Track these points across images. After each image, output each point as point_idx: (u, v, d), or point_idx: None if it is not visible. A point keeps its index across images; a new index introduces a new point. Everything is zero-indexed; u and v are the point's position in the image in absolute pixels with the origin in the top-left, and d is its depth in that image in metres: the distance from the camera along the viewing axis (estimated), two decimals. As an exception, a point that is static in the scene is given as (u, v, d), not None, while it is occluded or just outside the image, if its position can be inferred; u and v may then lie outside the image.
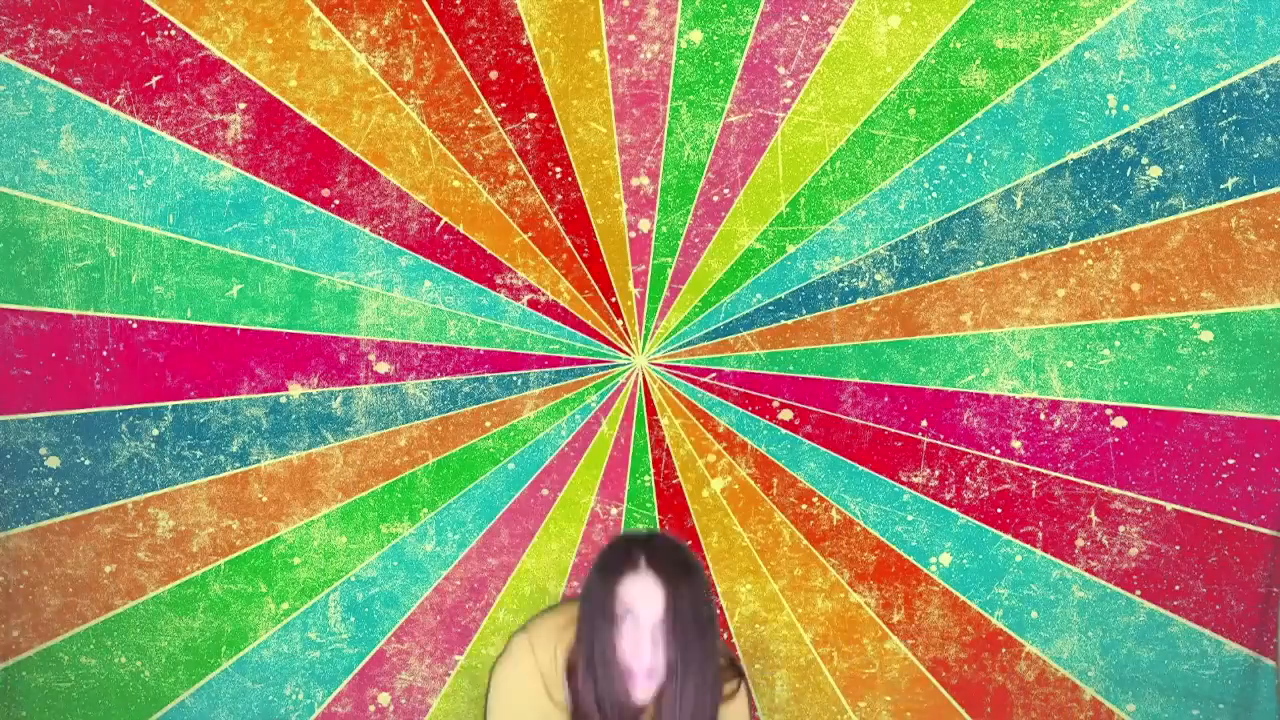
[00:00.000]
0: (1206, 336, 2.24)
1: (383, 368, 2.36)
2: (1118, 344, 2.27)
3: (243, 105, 2.27)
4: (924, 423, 2.33)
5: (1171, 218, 2.23)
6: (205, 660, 2.39)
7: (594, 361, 2.37)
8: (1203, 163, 2.20)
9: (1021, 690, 2.37)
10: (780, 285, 2.33)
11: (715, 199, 2.31)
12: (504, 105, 2.29)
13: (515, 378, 2.37)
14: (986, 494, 2.33)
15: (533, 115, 2.30)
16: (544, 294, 2.35)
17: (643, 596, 1.67)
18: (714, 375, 2.37)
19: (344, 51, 2.28)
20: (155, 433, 2.34)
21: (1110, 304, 2.27)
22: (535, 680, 1.74)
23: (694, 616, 1.71)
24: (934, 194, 2.28)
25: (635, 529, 1.78)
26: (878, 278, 2.31)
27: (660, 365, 2.37)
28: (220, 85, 2.25)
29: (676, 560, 1.73)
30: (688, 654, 1.70)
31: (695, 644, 1.71)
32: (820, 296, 2.32)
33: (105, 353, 2.32)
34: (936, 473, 2.34)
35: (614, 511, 2.39)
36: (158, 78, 2.27)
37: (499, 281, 2.34)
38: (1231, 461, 2.26)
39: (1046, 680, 2.37)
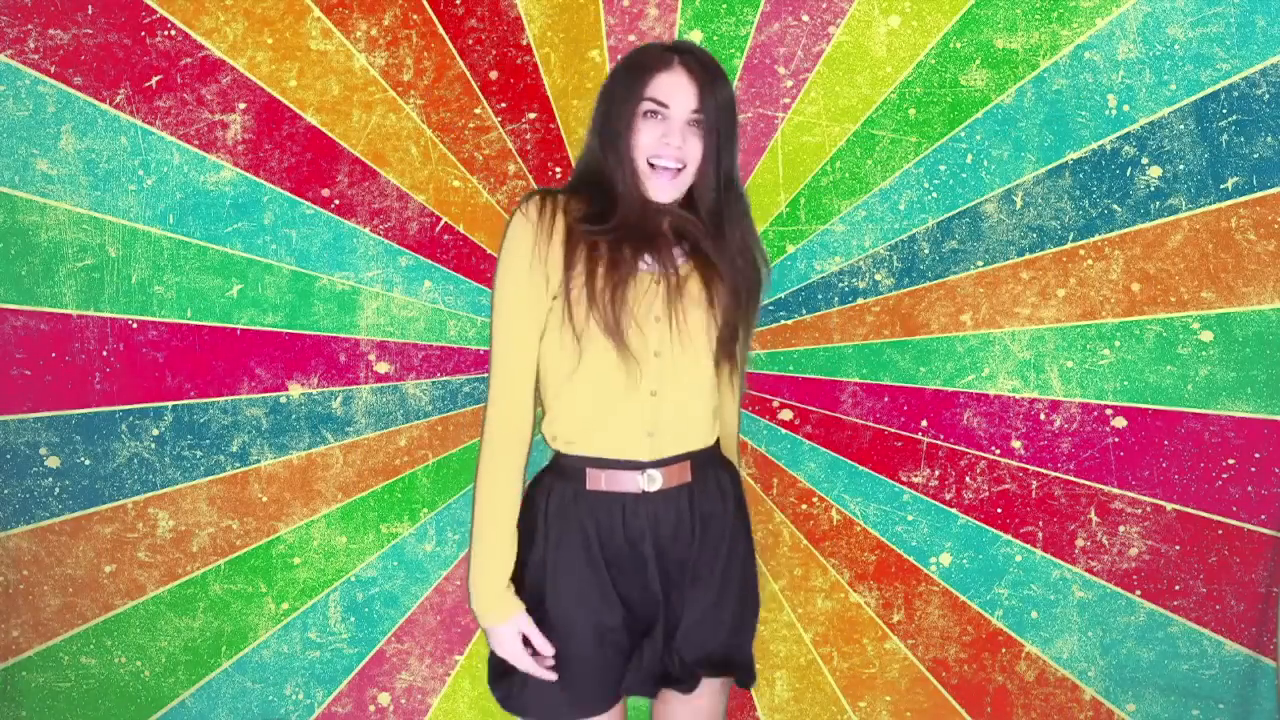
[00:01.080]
0: (1206, 336, 2.24)
1: (383, 368, 2.36)
2: (1118, 344, 2.27)
3: (243, 105, 2.27)
4: (924, 423, 2.33)
5: (1171, 218, 2.23)
6: (205, 660, 2.39)
7: (594, 361, 2.37)
8: (1203, 163, 2.20)
9: (1021, 690, 2.37)
10: (780, 285, 2.33)
11: (715, 199, 2.31)
12: (504, 105, 2.29)
13: (515, 378, 2.37)
14: (986, 494, 2.33)
15: (533, 115, 2.30)
16: (544, 294, 2.35)
17: (676, 89, 1.61)
18: (714, 375, 2.37)
19: (344, 51, 2.28)
20: (155, 433, 2.35)
21: (1110, 304, 2.27)
22: (535, 227, 1.66)
23: (726, 119, 1.65)
24: (934, 194, 2.28)
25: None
26: (878, 278, 2.31)
27: (660, 365, 2.37)
28: (220, 85, 2.25)
29: (709, 63, 1.67)
30: (721, 154, 1.66)
31: (729, 145, 1.67)
32: (820, 296, 2.32)
33: (105, 353, 2.32)
34: (936, 473, 2.34)
35: (614, 511, 2.40)
36: (158, 78, 2.27)
37: (499, 281, 2.34)
38: (1231, 461, 2.26)
39: (1046, 680, 2.37)
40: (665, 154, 1.63)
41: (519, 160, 2.31)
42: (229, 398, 2.33)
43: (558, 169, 2.31)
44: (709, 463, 1.79)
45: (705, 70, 1.64)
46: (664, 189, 1.65)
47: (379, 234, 2.32)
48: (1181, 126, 2.20)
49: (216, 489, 2.35)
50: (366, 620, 2.40)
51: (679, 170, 1.65)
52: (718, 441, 1.85)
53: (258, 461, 2.35)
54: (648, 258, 1.67)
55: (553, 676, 1.70)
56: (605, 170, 1.67)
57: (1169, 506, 2.29)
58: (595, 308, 1.61)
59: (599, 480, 1.71)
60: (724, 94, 1.66)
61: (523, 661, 1.71)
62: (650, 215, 1.68)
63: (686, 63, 1.64)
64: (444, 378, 2.36)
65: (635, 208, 1.66)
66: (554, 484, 1.76)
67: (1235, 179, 2.20)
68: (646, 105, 1.62)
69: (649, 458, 1.71)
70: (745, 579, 1.83)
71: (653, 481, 1.69)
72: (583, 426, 1.72)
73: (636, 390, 1.67)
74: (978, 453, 2.33)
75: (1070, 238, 2.26)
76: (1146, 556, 2.31)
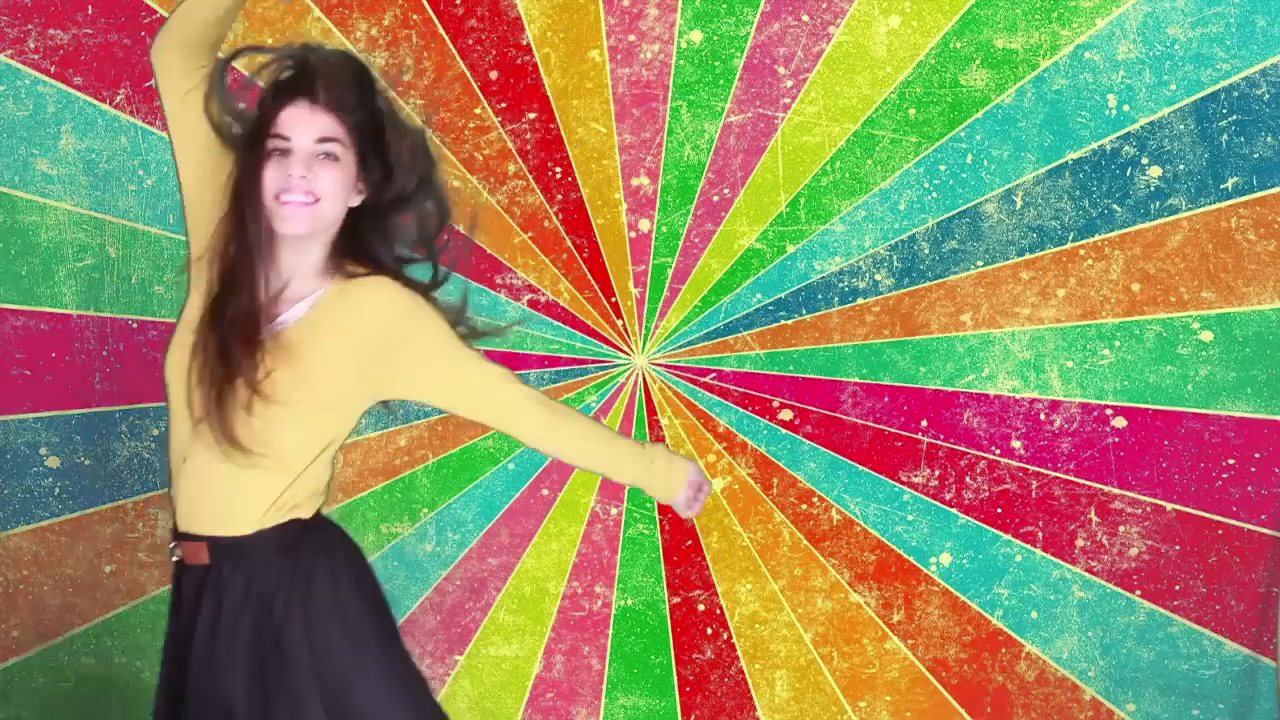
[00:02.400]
0: (1206, 336, 2.24)
1: (383, 368, 2.36)
2: (1118, 344, 2.27)
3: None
4: (924, 423, 2.33)
5: (1171, 218, 2.23)
6: (205, 660, 2.38)
7: (594, 361, 2.37)
8: (1203, 163, 2.20)
9: (1021, 690, 2.37)
10: (780, 285, 2.33)
11: (715, 199, 2.31)
12: (504, 105, 2.29)
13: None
14: (986, 494, 2.33)
15: (533, 115, 2.30)
16: (544, 294, 2.35)
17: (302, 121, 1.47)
18: (714, 375, 2.37)
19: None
20: (155, 433, 2.34)
21: (1110, 304, 2.27)
22: None
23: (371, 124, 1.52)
24: (934, 194, 2.28)
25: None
26: (878, 278, 2.31)
27: (660, 365, 2.37)
28: (220, 85, 2.25)
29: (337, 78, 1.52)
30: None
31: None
32: (820, 296, 2.32)
33: (105, 353, 2.32)
34: (936, 473, 2.34)
35: (614, 511, 2.39)
36: (158, 78, 2.27)
37: (499, 281, 2.34)
38: (1231, 461, 2.26)
39: (1046, 680, 2.37)
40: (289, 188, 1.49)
41: (519, 160, 2.31)
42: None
43: (558, 169, 2.31)
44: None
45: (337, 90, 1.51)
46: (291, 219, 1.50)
47: (379, 234, 2.32)
48: (1181, 126, 2.20)
49: (216, 489, 2.35)
50: (366, 620, 2.40)
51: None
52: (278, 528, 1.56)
53: (258, 461, 2.35)
54: None
55: None
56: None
57: (1169, 506, 2.29)
58: None
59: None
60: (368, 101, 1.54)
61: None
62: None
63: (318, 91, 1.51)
64: (444, 378, 2.36)
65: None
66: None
67: (1235, 179, 2.20)
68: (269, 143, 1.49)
69: None
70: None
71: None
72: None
73: None
74: (978, 453, 2.33)
75: (1070, 238, 2.26)
76: (1146, 556, 2.31)
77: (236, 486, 1.51)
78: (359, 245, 1.57)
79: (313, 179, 1.48)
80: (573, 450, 1.67)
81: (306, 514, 1.57)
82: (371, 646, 1.57)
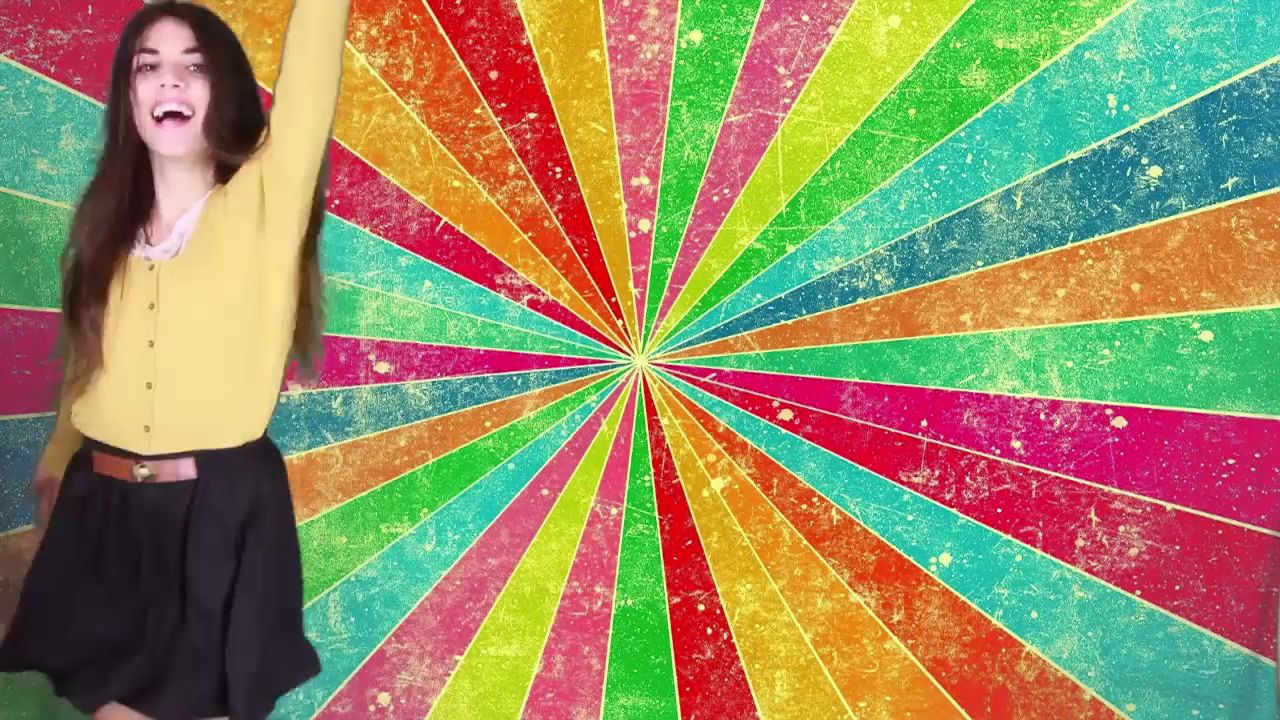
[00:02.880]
0: (1206, 336, 2.24)
1: (383, 368, 2.36)
2: (1118, 344, 2.27)
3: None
4: (924, 423, 2.33)
5: (1171, 218, 2.23)
6: (205, 660, 2.39)
7: (594, 361, 2.37)
8: (1203, 163, 2.20)
9: (1021, 690, 2.37)
10: (780, 285, 2.33)
11: (715, 199, 2.31)
12: (504, 105, 2.29)
13: (515, 378, 2.37)
14: (986, 494, 2.33)
15: (533, 115, 2.30)
16: (544, 294, 2.35)
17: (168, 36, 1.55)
18: (714, 375, 2.37)
19: (344, 52, 2.28)
20: (155, 433, 2.34)
21: (1110, 304, 2.27)
22: None
23: (226, 47, 1.60)
24: (934, 194, 2.28)
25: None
26: (878, 278, 2.31)
27: (660, 365, 2.37)
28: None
29: (196, 7, 1.62)
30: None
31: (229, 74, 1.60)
32: (820, 296, 2.32)
33: (105, 353, 2.31)
34: (936, 473, 2.34)
35: (614, 511, 2.40)
36: (158, 78, 2.27)
37: (499, 281, 2.35)
38: (1231, 461, 2.26)
39: (1046, 680, 2.37)
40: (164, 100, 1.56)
41: (519, 160, 2.31)
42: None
43: (558, 169, 2.31)
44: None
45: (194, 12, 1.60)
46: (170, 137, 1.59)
47: (379, 234, 2.32)
48: (1181, 126, 2.20)
49: (216, 489, 2.35)
50: (366, 620, 2.40)
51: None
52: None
53: (258, 461, 2.35)
54: None
55: None
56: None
57: (1169, 506, 2.29)
58: None
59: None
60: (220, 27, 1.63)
61: None
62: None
63: (174, 10, 1.59)
64: (444, 378, 2.36)
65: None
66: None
67: (1235, 179, 2.20)
68: (138, 60, 1.57)
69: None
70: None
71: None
72: None
73: None
74: (978, 453, 2.33)
75: (1070, 238, 2.26)
76: (1146, 556, 2.31)
77: (224, 399, 1.62)
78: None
79: (184, 88, 1.55)
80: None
81: (264, 426, 1.67)
82: (295, 555, 1.73)
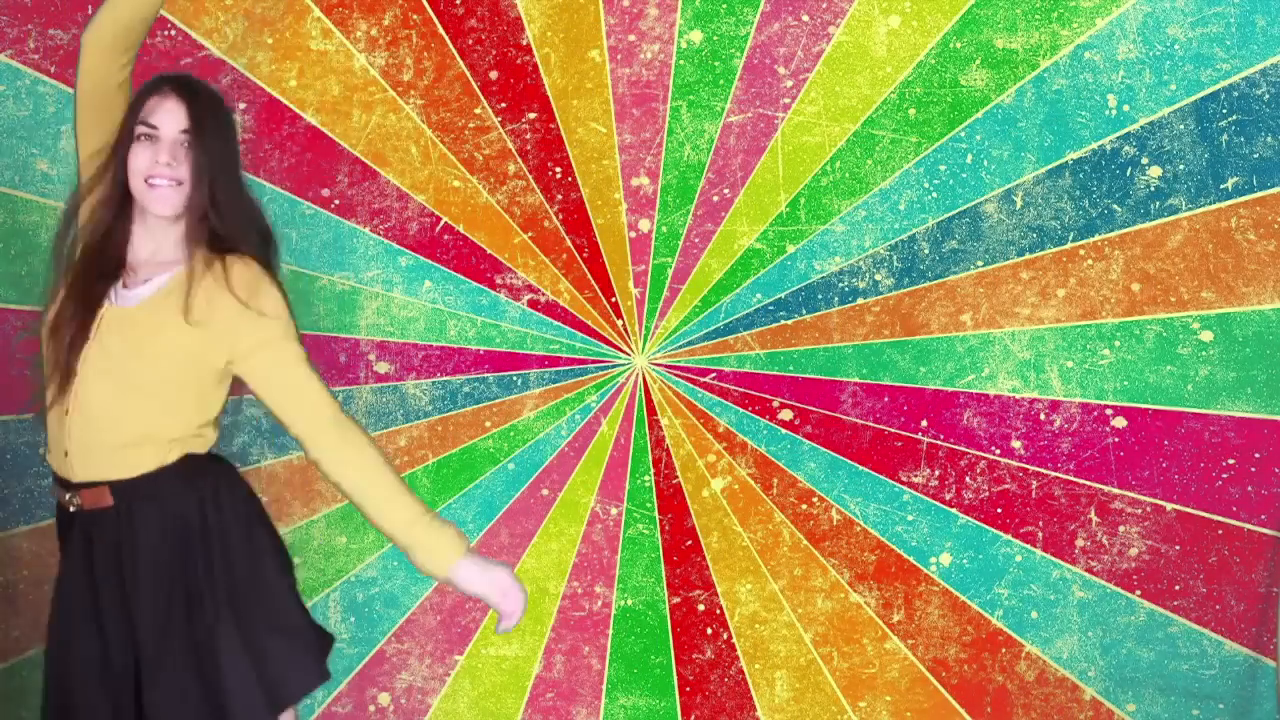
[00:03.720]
0: (1206, 336, 2.24)
1: (383, 368, 2.36)
2: (1118, 344, 2.27)
3: (243, 105, 2.27)
4: (924, 423, 2.33)
5: (1171, 218, 2.23)
6: (205, 660, 2.39)
7: (594, 361, 2.37)
8: (1203, 163, 2.20)
9: (1021, 690, 2.38)
10: (780, 285, 2.33)
11: (715, 199, 2.31)
12: (504, 105, 2.29)
13: (515, 378, 2.37)
14: (986, 494, 2.33)
15: (533, 115, 2.30)
16: (544, 294, 2.35)
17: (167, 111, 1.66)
18: (714, 375, 2.37)
19: (344, 51, 2.28)
20: (155, 433, 2.35)
21: (1110, 304, 2.27)
22: None
23: (218, 128, 1.71)
24: (934, 194, 2.28)
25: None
26: (878, 278, 2.31)
27: (660, 365, 2.37)
28: (220, 85, 2.25)
29: (201, 87, 1.73)
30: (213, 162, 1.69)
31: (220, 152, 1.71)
32: (820, 296, 2.32)
33: (105, 353, 2.32)
34: (936, 473, 2.34)
35: (614, 511, 2.40)
36: (158, 78, 2.27)
37: (499, 281, 2.35)
38: (1231, 461, 2.26)
39: (1046, 680, 2.37)
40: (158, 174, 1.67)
41: (519, 160, 2.31)
42: (229, 397, 2.33)
43: (558, 169, 2.31)
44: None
45: (195, 90, 1.71)
46: (161, 200, 1.68)
47: (379, 234, 2.32)
48: (1181, 126, 2.20)
49: (216, 489, 2.35)
50: (366, 620, 2.40)
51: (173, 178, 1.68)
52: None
53: (258, 461, 2.35)
54: None
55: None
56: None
57: (1169, 506, 2.29)
58: None
59: None
60: (216, 105, 1.73)
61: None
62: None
63: (179, 89, 1.70)
64: (444, 378, 2.36)
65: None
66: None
67: (1235, 179, 2.20)
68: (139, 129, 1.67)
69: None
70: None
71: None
72: None
73: None
74: (978, 453, 2.33)
75: (1070, 238, 2.26)
76: (1146, 556, 2.31)
77: (128, 430, 1.67)
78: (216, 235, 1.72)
79: (177, 165, 1.65)
80: (349, 482, 1.71)
81: (202, 449, 1.73)
82: (271, 558, 1.77)
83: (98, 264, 1.70)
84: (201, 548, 1.69)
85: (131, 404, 1.66)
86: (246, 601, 1.70)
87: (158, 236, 1.72)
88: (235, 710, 1.65)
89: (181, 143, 1.66)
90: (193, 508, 1.69)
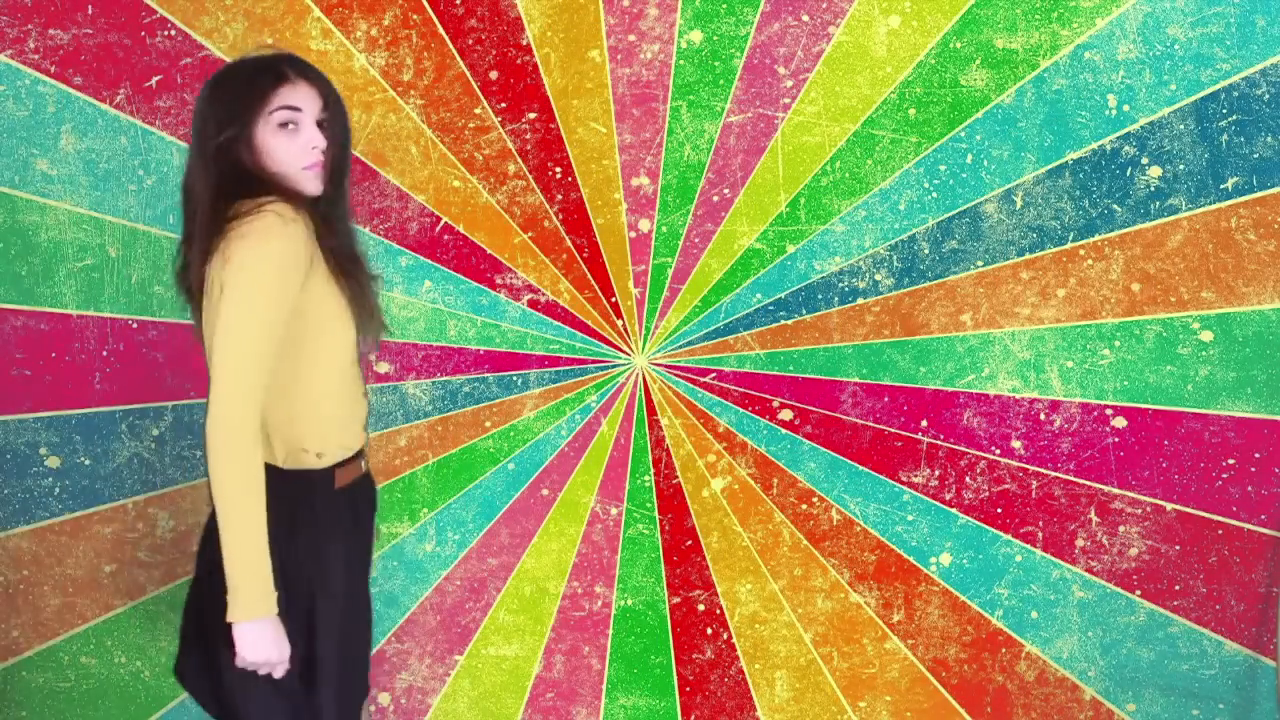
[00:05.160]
0: (1206, 336, 2.24)
1: (383, 368, 2.36)
2: (1118, 344, 2.27)
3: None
4: (924, 423, 2.33)
5: (1171, 218, 2.23)
6: (205, 660, 2.39)
7: (594, 361, 2.37)
8: (1203, 163, 2.20)
9: (1021, 690, 2.38)
10: (780, 285, 2.33)
11: (715, 199, 2.31)
12: (504, 105, 2.29)
13: (515, 378, 2.37)
14: (986, 494, 2.33)
15: (533, 115, 2.30)
16: (544, 294, 2.35)
17: (306, 98, 1.69)
18: (714, 375, 2.37)
19: (344, 51, 2.28)
20: (155, 433, 2.34)
21: (1110, 304, 2.27)
22: (305, 237, 1.68)
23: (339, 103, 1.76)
24: (934, 194, 2.28)
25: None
26: (878, 278, 2.31)
27: (660, 365, 2.37)
28: (220, 85, 2.25)
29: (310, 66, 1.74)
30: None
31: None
32: (820, 296, 2.32)
33: (105, 353, 2.32)
34: (936, 473, 2.34)
35: (614, 511, 2.40)
36: (158, 78, 2.27)
37: (499, 281, 2.35)
38: (1231, 461, 2.26)
39: (1046, 680, 2.37)
40: (311, 159, 1.70)
41: (519, 160, 2.31)
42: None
43: (558, 169, 2.31)
44: None
45: (313, 71, 1.73)
46: (314, 180, 1.72)
47: (379, 234, 2.32)
48: (1181, 126, 2.20)
49: (216, 489, 2.35)
50: (366, 620, 2.40)
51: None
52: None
53: (258, 461, 2.35)
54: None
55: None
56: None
57: (1169, 506, 2.29)
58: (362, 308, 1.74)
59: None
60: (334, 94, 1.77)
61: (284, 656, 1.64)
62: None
63: (299, 70, 1.71)
64: (444, 378, 2.36)
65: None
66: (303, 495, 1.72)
67: (1235, 179, 2.20)
68: (277, 118, 1.67)
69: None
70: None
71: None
72: (339, 428, 1.75)
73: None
74: (978, 453, 2.33)
75: (1070, 238, 2.26)
76: (1146, 556, 2.31)
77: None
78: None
79: (321, 146, 1.70)
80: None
81: None
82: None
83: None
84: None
85: None
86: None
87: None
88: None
89: (321, 122, 1.71)
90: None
